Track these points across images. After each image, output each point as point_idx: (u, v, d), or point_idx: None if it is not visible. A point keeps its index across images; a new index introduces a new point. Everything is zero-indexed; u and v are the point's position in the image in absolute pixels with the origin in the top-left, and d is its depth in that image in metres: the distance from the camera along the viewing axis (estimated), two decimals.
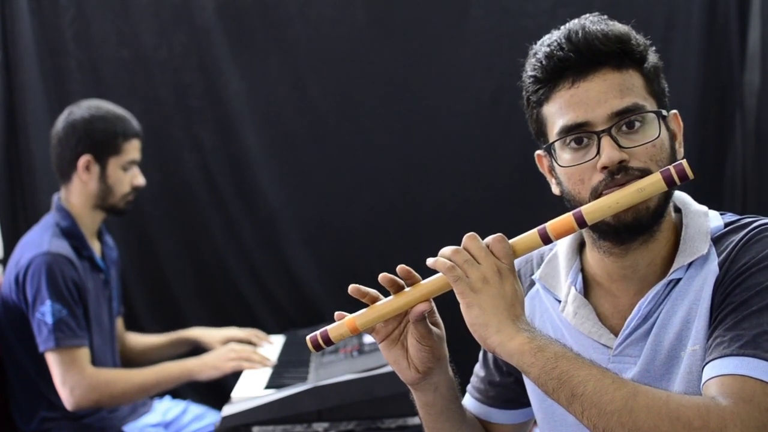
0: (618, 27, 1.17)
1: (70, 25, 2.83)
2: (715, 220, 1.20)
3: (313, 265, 2.97)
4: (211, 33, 2.88)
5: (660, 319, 1.17)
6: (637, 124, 1.14)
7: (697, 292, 1.15)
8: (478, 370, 1.43)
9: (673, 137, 1.19)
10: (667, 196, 1.17)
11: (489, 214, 2.93)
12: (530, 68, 1.22)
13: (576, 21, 1.19)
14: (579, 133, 1.16)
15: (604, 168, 1.14)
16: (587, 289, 1.27)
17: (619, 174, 1.14)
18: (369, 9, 2.90)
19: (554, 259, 1.31)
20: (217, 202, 2.94)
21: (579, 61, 1.15)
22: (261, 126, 2.93)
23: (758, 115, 2.88)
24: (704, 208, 1.22)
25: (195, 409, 2.49)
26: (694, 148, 2.89)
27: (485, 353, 1.43)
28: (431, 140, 2.95)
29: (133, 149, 2.31)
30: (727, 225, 1.19)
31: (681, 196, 1.25)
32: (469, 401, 1.43)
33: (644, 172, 1.13)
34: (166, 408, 2.45)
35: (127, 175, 2.31)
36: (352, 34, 2.91)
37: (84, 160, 2.26)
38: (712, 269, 1.14)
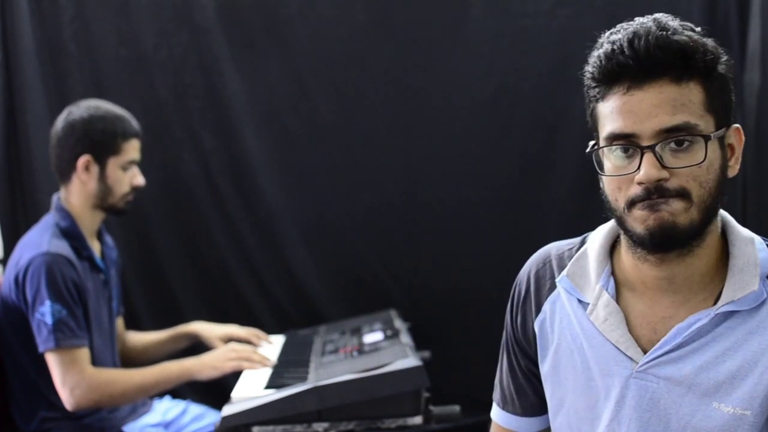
0: (685, 36, 1.12)
1: (70, 25, 2.82)
2: (761, 249, 1.18)
3: (313, 265, 2.97)
4: (211, 33, 2.88)
5: (699, 357, 1.16)
6: (686, 143, 1.12)
7: (754, 353, 1.13)
8: (505, 382, 1.41)
9: (728, 154, 1.17)
10: (703, 217, 1.14)
11: (489, 214, 2.93)
12: (591, 63, 1.18)
13: (644, 21, 1.15)
14: (624, 144, 1.14)
15: (641, 183, 1.13)
16: (617, 293, 1.24)
17: (656, 193, 1.12)
18: (369, 9, 2.90)
19: (584, 258, 1.29)
20: (217, 202, 2.94)
21: (637, 68, 1.12)
22: (261, 126, 2.93)
23: (758, 115, 2.88)
24: (749, 233, 1.21)
25: (195, 409, 2.48)
26: None
27: (510, 362, 1.39)
28: (431, 140, 2.94)
29: (132, 149, 2.31)
30: None
31: (726, 217, 1.22)
32: (500, 415, 1.41)
33: (680, 193, 1.12)
34: (166, 408, 2.45)
35: (127, 175, 2.31)
36: (352, 34, 2.90)
37: (83, 160, 2.26)
38: None
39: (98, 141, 2.26)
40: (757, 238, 1.20)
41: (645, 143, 1.12)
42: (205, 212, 2.94)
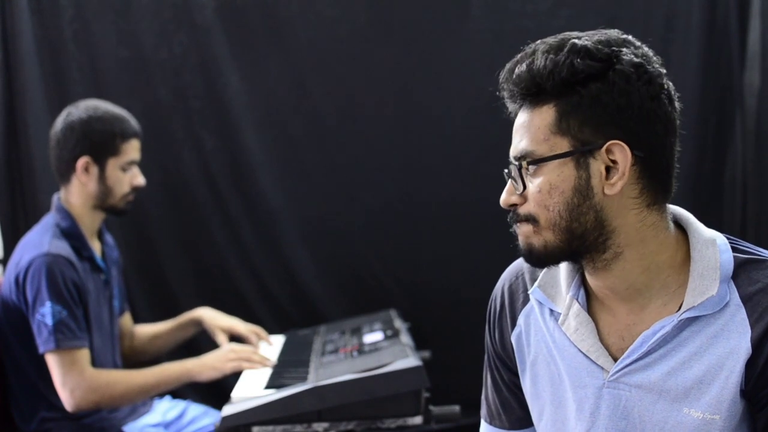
0: (539, 62, 1.14)
1: (70, 25, 2.82)
2: (724, 250, 1.17)
3: (313, 265, 2.97)
4: (211, 33, 2.87)
5: (666, 363, 1.16)
6: (532, 167, 1.15)
7: (719, 357, 1.13)
8: (491, 397, 1.41)
9: (600, 172, 1.13)
10: (565, 238, 1.15)
11: (489, 214, 2.91)
12: None
13: (527, 49, 1.18)
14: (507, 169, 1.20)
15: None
16: (588, 302, 1.24)
17: (512, 216, 1.19)
18: (369, 9, 2.90)
19: (555, 268, 1.28)
20: (217, 202, 2.94)
21: (507, 97, 1.19)
22: (261, 126, 2.93)
23: (758, 115, 2.88)
24: (711, 234, 1.19)
25: (195, 409, 2.49)
26: (694, 149, 2.89)
27: (494, 377, 1.40)
28: (431, 140, 2.94)
29: (132, 149, 2.31)
30: (739, 263, 1.16)
31: (687, 220, 1.21)
32: (488, 431, 1.41)
33: (528, 218, 1.17)
34: (166, 408, 2.45)
35: (127, 176, 2.31)
36: (352, 34, 2.90)
37: (83, 161, 2.26)
38: (744, 346, 1.12)
39: (97, 142, 2.26)
40: (720, 239, 1.18)
41: (509, 169, 1.19)
42: (205, 212, 2.94)
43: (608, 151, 1.13)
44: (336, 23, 2.90)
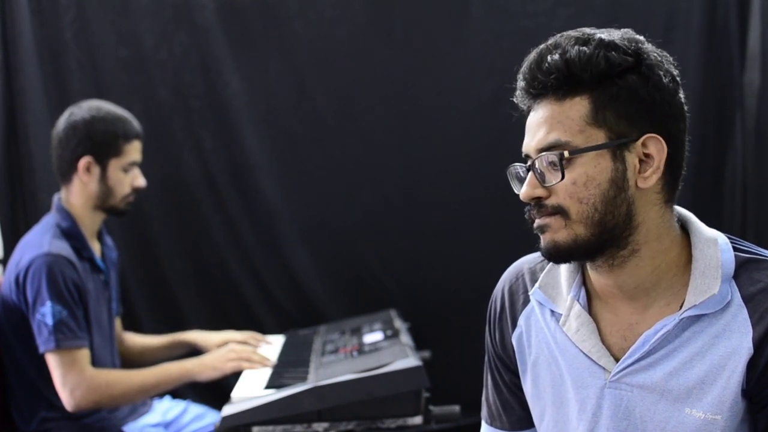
0: (572, 53, 1.13)
1: (70, 25, 2.83)
2: (725, 249, 1.17)
3: (313, 265, 2.97)
4: (211, 33, 2.88)
5: (668, 363, 1.16)
6: (564, 160, 1.13)
7: (721, 357, 1.13)
8: (491, 398, 1.41)
9: (634, 165, 1.14)
10: (595, 231, 1.14)
11: (489, 215, 2.93)
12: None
13: (549, 42, 1.17)
14: (523, 163, 1.20)
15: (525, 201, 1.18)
16: (589, 303, 1.24)
17: (536, 209, 1.17)
18: (369, 9, 2.90)
19: (555, 269, 1.28)
20: (217, 202, 2.94)
21: (528, 89, 1.17)
22: (261, 126, 2.93)
23: (758, 115, 2.88)
24: (713, 234, 1.19)
25: (195, 409, 2.49)
26: (694, 149, 2.88)
27: (494, 378, 1.40)
28: (431, 140, 2.95)
29: (133, 150, 2.31)
30: (740, 263, 1.16)
31: (689, 219, 1.21)
32: None
33: (557, 210, 1.15)
34: (166, 408, 2.45)
35: (128, 177, 2.31)
36: (352, 34, 2.91)
37: (84, 161, 2.26)
38: (745, 345, 1.12)
39: (100, 142, 2.26)
40: (721, 238, 1.19)
41: (531, 162, 1.17)
42: (205, 212, 2.94)
43: (643, 144, 1.13)
44: (336, 23, 2.90)
